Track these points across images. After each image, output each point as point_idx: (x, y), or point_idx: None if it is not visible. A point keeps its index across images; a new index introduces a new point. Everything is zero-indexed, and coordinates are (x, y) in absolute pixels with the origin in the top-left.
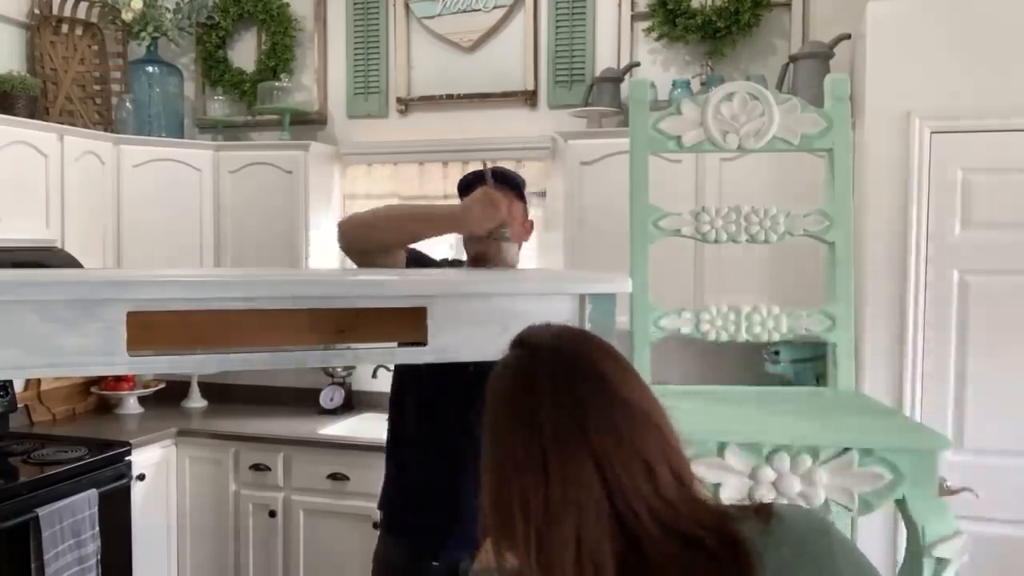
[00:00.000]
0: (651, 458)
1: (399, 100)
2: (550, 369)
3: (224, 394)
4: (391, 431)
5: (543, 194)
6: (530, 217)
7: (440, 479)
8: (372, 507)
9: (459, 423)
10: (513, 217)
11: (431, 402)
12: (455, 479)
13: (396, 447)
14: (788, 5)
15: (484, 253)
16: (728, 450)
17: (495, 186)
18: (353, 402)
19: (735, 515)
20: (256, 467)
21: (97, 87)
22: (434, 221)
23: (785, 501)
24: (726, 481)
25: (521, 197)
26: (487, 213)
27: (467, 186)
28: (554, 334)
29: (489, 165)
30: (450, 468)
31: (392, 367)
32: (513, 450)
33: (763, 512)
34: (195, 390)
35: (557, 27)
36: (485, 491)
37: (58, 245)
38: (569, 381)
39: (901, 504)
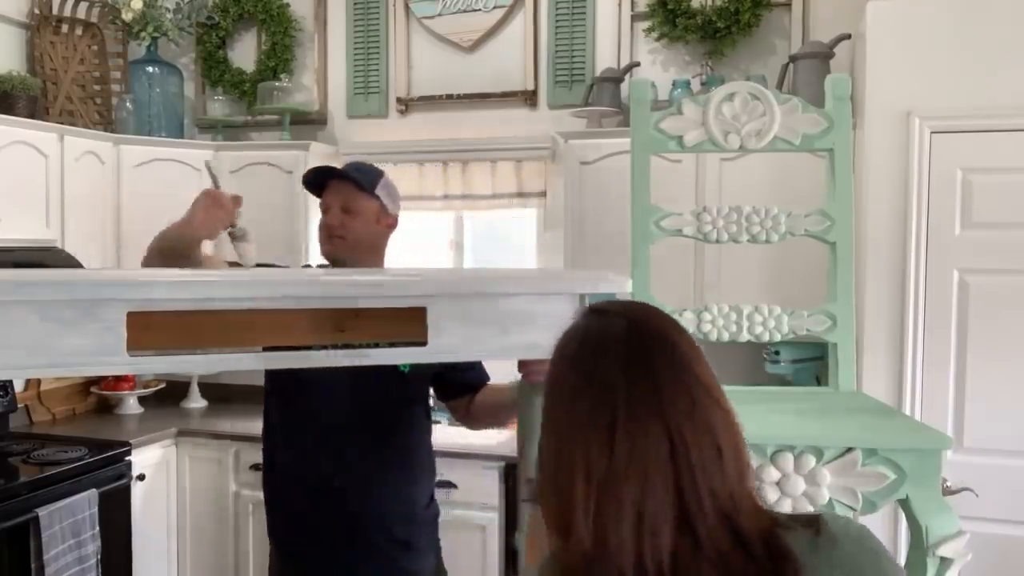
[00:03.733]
0: (721, 441)
1: (399, 100)
2: (624, 334)
3: (224, 394)
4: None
5: (543, 194)
6: (392, 213)
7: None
8: None
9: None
10: (359, 213)
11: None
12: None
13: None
14: (788, 5)
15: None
16: None
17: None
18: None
19: (783, 523)
20: (256, 467)
21: (97, 87)
22: (181, 235)
23: (814, 508)
24: None
25: (370, 192)
26: (210, 215)
27: (308, 184)
28: (626, 304)
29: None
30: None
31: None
32: (579, 410)
33: (812, 526)
34: (195, 390)
35: (557, 27)
36: (544, 452)
37: (58, 245)
38: (643, 348)
39: (904, 503)
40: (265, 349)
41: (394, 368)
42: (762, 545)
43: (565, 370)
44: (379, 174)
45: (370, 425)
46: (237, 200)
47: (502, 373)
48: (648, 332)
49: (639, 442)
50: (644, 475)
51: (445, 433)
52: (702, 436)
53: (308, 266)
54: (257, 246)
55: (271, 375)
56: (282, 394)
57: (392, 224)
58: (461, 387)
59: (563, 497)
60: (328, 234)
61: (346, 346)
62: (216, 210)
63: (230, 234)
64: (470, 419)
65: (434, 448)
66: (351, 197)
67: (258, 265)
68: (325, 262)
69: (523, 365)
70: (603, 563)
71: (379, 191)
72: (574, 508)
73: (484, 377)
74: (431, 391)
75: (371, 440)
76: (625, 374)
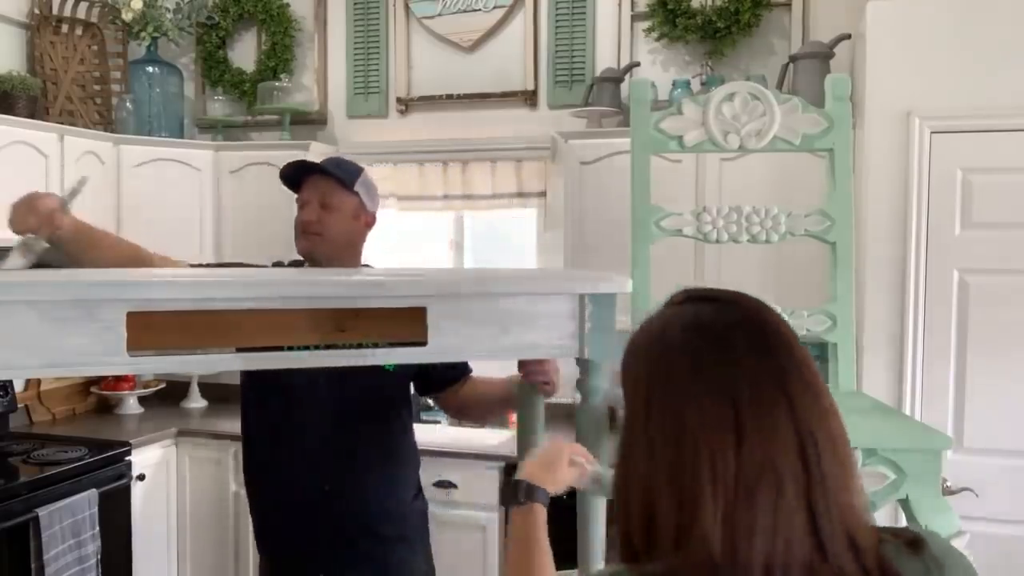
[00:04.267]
0: (843, 448)
1: (399, 100)
2: (741, 325)
3: (224, 394)
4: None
5: (543, 194)
6: (371, 210)
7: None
8: None
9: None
10: (337, 209)
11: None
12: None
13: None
14: (788, 5)
15: None
16: None
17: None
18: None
19: (885, 539)
20: None
21: (97, 87)
22: None
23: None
24: None
25: (349, 188)
26: (17, 212)
27: (286, 179)
28: (735, 295)
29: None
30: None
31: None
32: (701, 408)
33: (916, 547)
34: (195, 390)
35: (557, 27)
36: (644, 454)
37: None
38: (764, 340)
39: (904, 503)
40: (265, 349)
41: (377, 366)
42: (877, 566)
43: (674, 362)
44: (359, 170)
45: (351, 425)
46: (55, 217)
47: (490, 371)
48: (767, 323)
49: (770, 445)
50: (778, 480)
51: (445, 433)
52: (829, 436)
53: (280, 264)
54: (29, 267)
55: (249, 378)
56: (261, 397)
57: (370, 222)
58: (446, 380)
59: (685, 504)
60: (304, 230)
61: (346, 346)
62: (26, 212)
63: (23, 241)
64: (461, 412)
65: (433, 448)
66: (330, 193)
67: (230, 265)
68: (299, 259)
69: (523, 365)
70: (734, 573)
71: (358, 188)
72: (700, 515)
73: (467, 368)
74: (412, 387)
75: (354, 440)
76: (749, 368)
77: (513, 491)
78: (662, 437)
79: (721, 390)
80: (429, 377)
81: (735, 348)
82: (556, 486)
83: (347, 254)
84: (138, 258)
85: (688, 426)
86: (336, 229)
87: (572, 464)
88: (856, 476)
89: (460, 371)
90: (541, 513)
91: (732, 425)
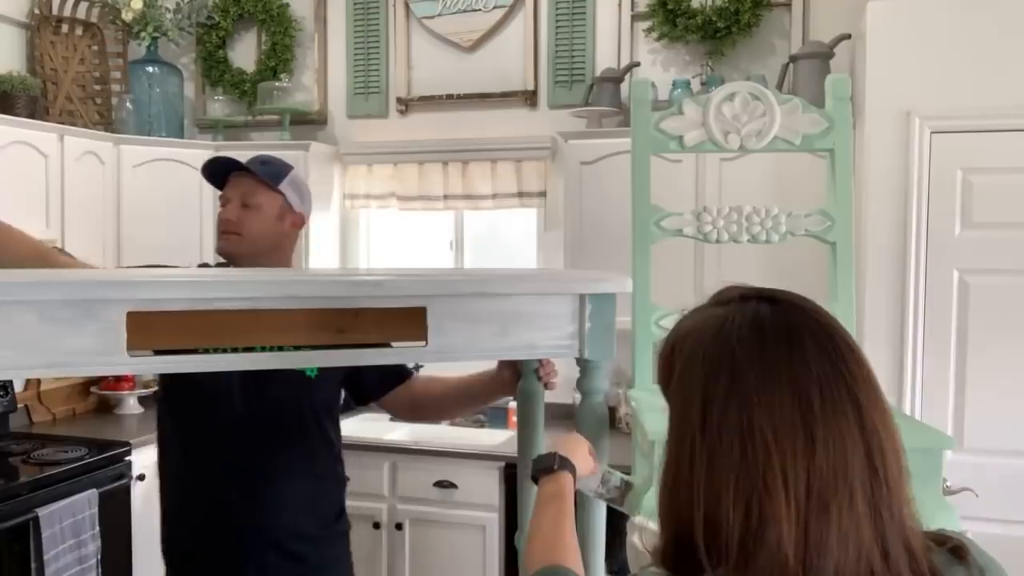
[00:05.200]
0: (903, 455)
1: (399, 100)
2: (808, 326)
3: None
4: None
5: (543, 194)
6: (299, 211)
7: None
8: (372, 507)
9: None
10: (258, 209)
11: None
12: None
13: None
14: (788, 5)
15: None
16: None
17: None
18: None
19: (931, 546)
20: None
21: (97, 87)
22: None
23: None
24: None
25: (272, 187)
26: None
27: (209, 175)
28: (784, 292)
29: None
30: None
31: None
32: (771, 411)
33: (960, 553)
34: None
35: (557, 27)
36: (707, 459)
37: (58, 245)
38: (832, 343)
39: None
40: (265, 349)
41: (298, 373)
42: (929, 572)
43: (739, 360)
44: (287, 169)
45: (265, 434)
46: (295, 219)
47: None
48: (834, 327)
49: (841, 450)
50: (850, 488)
51: (445, 433)
52: (892, 444)
53: (206, 265)
54: None
55: (166, 380)
56: (175, 400)
57: (298, 223)
58: (388, 380)
59: (753, 510)
60: (223, 229)
61: (346, 346)
62: None
63: None
64: (416, 413)
65: (433, 448)
66: (252, 191)
67: (149, 266)
68: (223, 260)
69: (536, 369)
70: None
71: (284, 187)
72: (773, 523)
73: (405, 370)
74: (343, 396)
75: (267, 451)
76: (820, 371)
77: (547, 460)
78: (726, 439)
79: (793, 391)
80: (361, 383)
81: (805, 349)
82: (580, 468)
83: (271, 256)
84: (40, 256)
85: (756, 428)
86: (256, 229)
87: (590, 454)
88: (910, 483)
89: (398, 374)
90: (571, 481)
91: (803, 429)
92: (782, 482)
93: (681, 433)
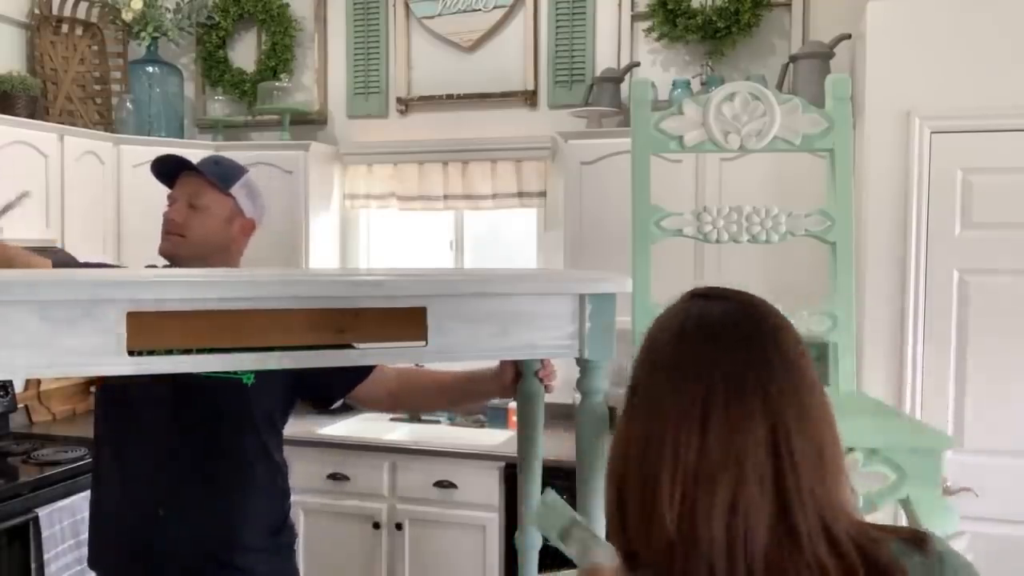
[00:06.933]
0: (825, 442)
1: (399, 100)
2: (731, 317)
3: None
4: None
5: (543, 194)
6: (250, 215)
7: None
8: (373, 507)
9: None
10: (205, 210)
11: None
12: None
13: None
14: (788, 5)
15: None
16: None
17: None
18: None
19: (876, 537)
20: None
21: (97, 87)
22: None
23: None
24: None
25: (222, 190)
26: None
27: (159, 174)
28: (734, 291)
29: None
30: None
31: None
32: (677, 393)
33: (920, 543)
34: None
35: (557, 27)
36: (628, 436)
37: (58, 245)
38: (758, 338)
39: (905, 504)
40: (265, 349)
41: (235, 380)
42: (860, 557)
43: (661, 352)
44: (240, 172)
45: (196, 444)
46: (244, 225)
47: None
48: (764, 319)
49: (738, 432)
50: (740, 468)
51: (445, 432)
52: (807, 434)
53: (153, 266)
54: None
55: (103, 385)
56: (109, 405)
57: (248, 229)
58: (346, 380)
59: (647, 486)
60: (166, 230)
61: (345, 346)
62: None
63: None
64: (398, 406)
65: (433, 448)
66: (200, 193)
67: (84, 265)
68: (167, 262)
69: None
70: (691, 556)
71: (236, 190)
72: (659, 497)
73: (364, 367)
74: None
75: (198, 461)
76: (735, 360)
77: None
78: (639, 423)
79: (697, 379)
80: (317, 387)
81: (720, 340)
82: None
83: (215, 260)
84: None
85: (661, 413)
86: (201, 231)
87: None
88: (837, 472)
89: (355, 371)
90: None
91: (702, 410)
92: (672, 459)
93: (620, 420)
